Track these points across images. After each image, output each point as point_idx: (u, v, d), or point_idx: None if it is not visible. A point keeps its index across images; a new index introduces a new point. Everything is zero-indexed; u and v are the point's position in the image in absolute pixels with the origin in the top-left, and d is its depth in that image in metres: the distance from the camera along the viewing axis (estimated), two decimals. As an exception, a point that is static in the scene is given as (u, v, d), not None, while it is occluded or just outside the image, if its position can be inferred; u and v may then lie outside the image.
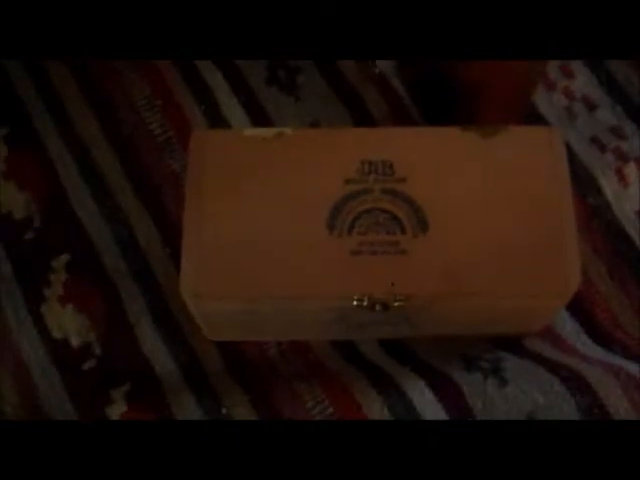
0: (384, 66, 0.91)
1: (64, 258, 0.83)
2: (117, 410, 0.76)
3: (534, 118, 0.87)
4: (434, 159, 0.72)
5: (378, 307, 0.69)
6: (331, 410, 0.75)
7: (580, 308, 0.81)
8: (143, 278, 0.82)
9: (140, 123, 0.88)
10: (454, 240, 0.70)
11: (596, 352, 0.79)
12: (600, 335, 0.81)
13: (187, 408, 0.76)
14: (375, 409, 0.74)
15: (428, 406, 0.73)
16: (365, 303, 0.69)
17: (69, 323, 0.80)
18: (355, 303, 0.69)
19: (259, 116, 0.88)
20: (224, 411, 0.75)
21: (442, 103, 0.84)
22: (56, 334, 0.80)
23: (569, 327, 0.81)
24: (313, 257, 0.69)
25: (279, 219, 0.70)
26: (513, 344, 0.79)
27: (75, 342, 0.80)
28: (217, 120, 0.88)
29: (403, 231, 0.70)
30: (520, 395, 0.73)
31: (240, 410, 0.75)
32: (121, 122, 0.88)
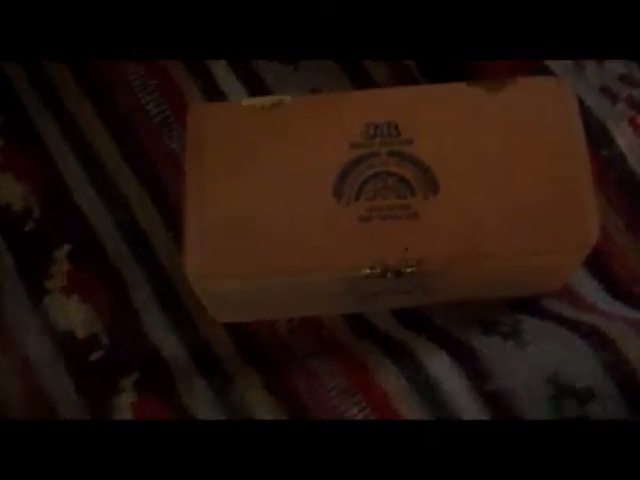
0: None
1: (65, 248, 0.80)
2: (127, 399, 0.74)
3: (541, 72, 0.83)
4: (440, 118, 0.69)
5: (390, 275, 0.66)
6: (347, 384, 0.72)
7: (598, 264, 0.78)
8: (147, 263, 0.79)
9: (136, 104, 0.85)
10: (466, 200, 0.67)
11: (616, 308, 0.76)
12: (619, 290, 0.78)
13: (198, 393, 0.73)
14: (392, 380, 0.71)
15: (447, 373, 0.71)
16: (378, 271, 0.66)
17: (74, 314, 0.78)
18: (368, 271, 0.66)
19: (258, 88, 0.85)
20: (237, 394, 0.73)
21: (447, 64, 0.82)
22: (61, 326, 0.77)
23: (587, 284, 0.78)
24: (321, 227, 0.66)
25: (283, 190, 0.67)
26: (531, 305, 0.76)
27: (81, 333, 0.77)
28: (215, 95, 0.85)
29: (413, 194, 0.67)
30: (541, 355, 0.71)
31: (253, 392, 0.73)
32: (117, 104, 0.86)
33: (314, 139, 0.69)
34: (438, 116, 0.69)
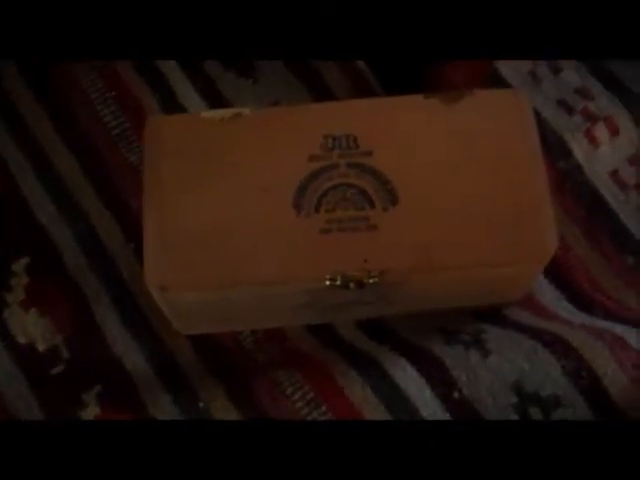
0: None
1: (24, 261, 0.80)
2: (90, 413, 0.73)
3: (498, 83, 0.85)
4: (399, 129, 0.70)
5: (352, 285, 0.67)
6: (312, 395, 0.72)
7: (559, 274, 0.80)
8: (108, 276, 0.79)
9: (94, 117, 0.85)
10: (425, 211, 0.67)
11: (578, 317, 0.77)
12: (581, 300, 0.79)
13: (163, 406, 0.73)
14: (357, 390, 0.71)
15: (411, 382, 0.71)
16: (338, 282, 0.66)
17: (33, 327, 0.77)
18: (328, 283, 0.66)
19: (217, 102, 0.85)
20: (201, 405, 0.73)
21: (404, 73, 0.82)
22: (21, 339, 0.77)
23: (549, 294, 0.79)
24: (281, 239, 0.66)
25: (243, 203, 0.67)
26: (494, 315, 0.77)
27: (41, 346, 0.76)
28: (174, 109, 0.85)
29: (372, 205, 0.67)
30: (504, 364, 0.71)
31: (218, 404, 0.73)
32: (75, 118, 0.85)
33: (273, 151, 0.69)
34: (396, 128, 0.70)
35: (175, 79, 0.86)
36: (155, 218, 0.67)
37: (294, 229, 0.67)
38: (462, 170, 0.69)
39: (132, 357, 0.76)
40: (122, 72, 0.87)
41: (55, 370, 0.76)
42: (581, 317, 0.77)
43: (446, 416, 0.70)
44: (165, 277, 0.65)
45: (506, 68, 0.87)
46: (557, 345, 0.72)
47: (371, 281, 0.66)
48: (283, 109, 0.71)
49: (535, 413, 0.70)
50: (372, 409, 0.71)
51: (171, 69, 0.87)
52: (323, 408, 0.72)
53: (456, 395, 0.71)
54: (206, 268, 0.66)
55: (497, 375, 0.71)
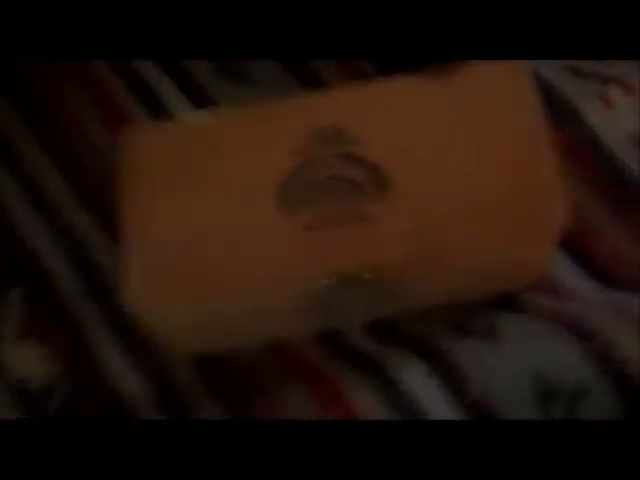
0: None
1: (18, 292, 0.77)
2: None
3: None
4: (388, 113, 0.65)
5: (349, 283, 0.62)
6: (320, 412, 0.68)
7: (579, 250, 0.74)
8: (102, 300, 0.75)
9: (81, 133, 0.82)
10: (421, 198, 0.62)
11: (601, 294, 0.71)
12: (604, 275, 0.73)
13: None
14: (365, 400, 0.67)
15: (423, 384, 0.67)
16: (334, 281, 0.62)
17: (30, 359, 0.74)
18: (325, 282, 0.62)
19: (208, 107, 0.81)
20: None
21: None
22: (17, 373, 0.73)
23: (568, 273, 0.73)
24: (267, 242, 0.62)
25: (226, 207, 0.63)
26: (509, 301, 0.71)
27: (38, 378, 0.73)
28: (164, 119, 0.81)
29: (362, 196, 0.63)
30: (521, 354, 0.66)
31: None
32: (62, 135, 0.82)
33: (255, 150, 0.65)
34: (385, 112, 0.65)
35: (165, 93, 0.83)
36: (133, 231, 0.63)
37: (280, 229, 0.62)
38: (459, 150, 0.64)
39: (130, 382, 0.72)
40: (111, 88, 0.83)
41: (52, 402, 0.72)
42: (604, 294, 0.71)
43: (460, 415, 0.65)
44: (146, 294, 0.61)
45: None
46: (578, 327, 0.67)
47: (367, 276, 0.62)
48: (263, 105, 0.66)
49: (558, 404, 0.65)
50: (382, 416, 0.66)
51: (161, 83, 0.83)
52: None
53: (471, 393, 0.66)
54: (190, 281, 0.62)
55: (514, 367, 0.66)
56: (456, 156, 0.64)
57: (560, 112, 0.78)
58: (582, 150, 0.77)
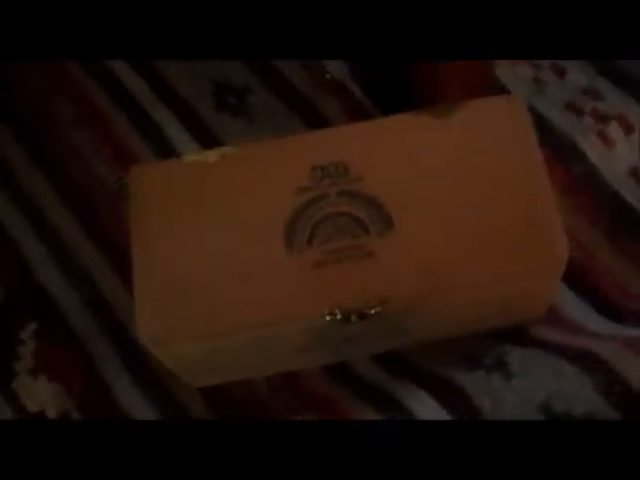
0: (336, 71, 0.86)
1: (31, 327, 0.78)
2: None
3: (498, 92, 0.81)
4: (389, 151, 0.67)
5: (354, 318, 0.63)
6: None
7: (585, 285, 0.75)
8: (114, 335, 0.77)
9: (90, 174, 0.84)
10: (424, 233, 0.64)
11: (609, 327, 0.72)
12: (610, 308, 0.74)
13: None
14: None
15: (431, 414, 0.67)
16: (339, 316, 0.63)
17: (43, 394, 0.75)
18: (328, 318, 0.63)
19: (213, 145, 0.83)
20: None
21: (400, 95, 0.79)
22: (31, 408, 0.75)
23: (576, 307, 0.74)
24: (274, 279, 0.63)
25: (233, 246, 0.65)
26: (518, 335, 0.72)
27: (52, 413, 0.74)
28: (170, 157, 0.83)
29: (367, 232, 0.64)
30: (529, 385, 0.67)
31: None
32: (72, 178, 0.84)
33: (261, 188, 0.66)
34: (387, 150, 0.67)
35: (169, 127, 0.85)
36: (144, 270, 0.64)
37: (287, 266, 0.64)
38: (459, 186, 0.65)
39: (144, 416, 0.73)
40: (114, 123, 0.85)
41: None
42: (612, 327, 0.72)
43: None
44: (158, 330, 0.63)
45: (507, 76, 0.83)
46: (586, 360, 0.68)
47: (373, 311, 0.63)
48: (268, 143, 0.68)
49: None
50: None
51: (163, 116, 0.85)
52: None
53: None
54: (199, 317, 0.63)
55: (523, 398, 0.67)
56: (457, 192, 0.65)
57: (560, 147, 0.79)
58: (583, 186, 0.79)
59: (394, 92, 0.80)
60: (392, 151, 0.67)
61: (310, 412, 0.71)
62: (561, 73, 0.83)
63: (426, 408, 0.68)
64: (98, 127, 0.86)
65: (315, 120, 0.83)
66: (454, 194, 0.65)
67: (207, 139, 0.84)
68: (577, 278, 0.75)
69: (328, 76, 0.85)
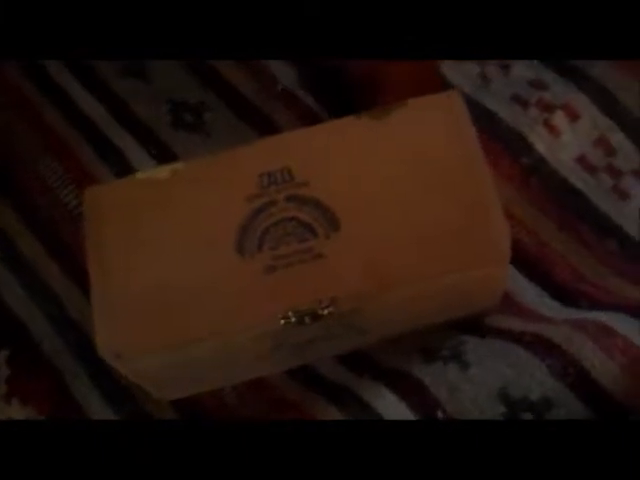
0: (287, 80, 0.88)
1: (4, 354, 0.80)
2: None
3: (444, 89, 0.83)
4: (332, 154, 0.69)
5: (308, 319, 0.65)
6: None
7: (538, 272, 0.77)
8: (83, 353, 0.78)
9: (55, 200, 0.86)
10: (369, 232, 0.66)
11: (562, 312, 0.74)
12: (564, 294, 0.75)
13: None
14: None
15: (392, 408, 0.69)
16: (293, 319, 0.65)
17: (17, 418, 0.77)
18: (282, 322, 0.65)
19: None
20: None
21: (346, 98, 0.81)
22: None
23: (530, 294, 0.76)
24: (228, 288, 0.65)
25: (187, 258, 0.66)
26: (474, 325, 0.74)
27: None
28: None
29: (315, 235, 0.66)
30: (485, 374, 0.68)
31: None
32: (37, 204, 0.86)
33: (211, 199, 0.68)
34: (330, 153, 0.69)
35: (129, 149, 0.86)
36: (100, 285, 0.66)
37: (239, 274, 0.65)
38: (402, 184, 0.67)
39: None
40: (76, 150, 0.87)
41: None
42: (565, 312, 0.74)
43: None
44: (117, 344, 0.64)
45: (453, 73, 0.85)
46: (539, 345, 0.69)
47: (325, 312, 0.65)
48: (216, 156, 0.70)
49: (527, 419, 0.67)
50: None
51: (125, 140, 0.87)
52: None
53: (440, 414, 0.68)
54: (157, 330, 0.65)
55: (480, 386, 0.68)
56: (400, 190, 0.67)
57: (508, 140, 0.81)
58: (532, 176, 0.80)
59: (340, 96, 0.82)
60: (335, 154, 0.68)
61: (279, 416, 0.73)
62: (505, 67, 0.85)
63: (386, 402, 0.69)
64: (61, 154, 0.88)
65: (270, 131, 0.85)
66: (397, 192, 0.67)
67: (166, 157, 0.86)
68: (530, 265, 0.77)
69: (280, 87, 0.87)
